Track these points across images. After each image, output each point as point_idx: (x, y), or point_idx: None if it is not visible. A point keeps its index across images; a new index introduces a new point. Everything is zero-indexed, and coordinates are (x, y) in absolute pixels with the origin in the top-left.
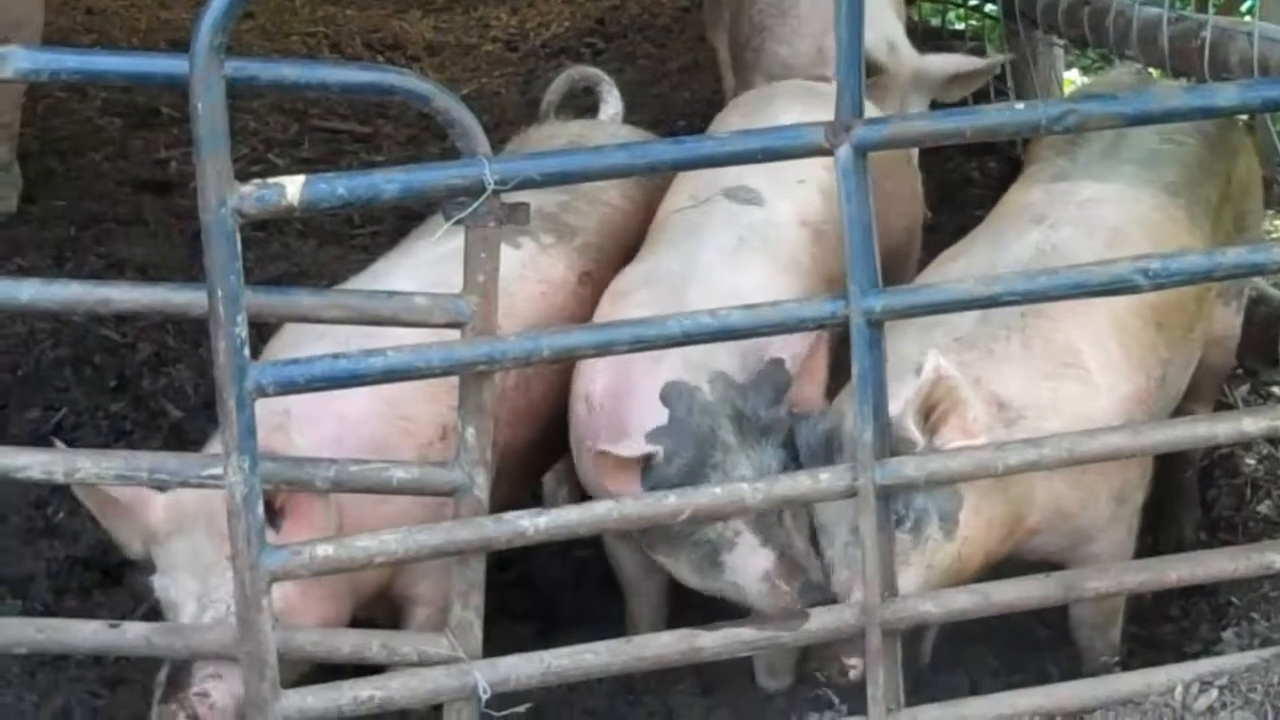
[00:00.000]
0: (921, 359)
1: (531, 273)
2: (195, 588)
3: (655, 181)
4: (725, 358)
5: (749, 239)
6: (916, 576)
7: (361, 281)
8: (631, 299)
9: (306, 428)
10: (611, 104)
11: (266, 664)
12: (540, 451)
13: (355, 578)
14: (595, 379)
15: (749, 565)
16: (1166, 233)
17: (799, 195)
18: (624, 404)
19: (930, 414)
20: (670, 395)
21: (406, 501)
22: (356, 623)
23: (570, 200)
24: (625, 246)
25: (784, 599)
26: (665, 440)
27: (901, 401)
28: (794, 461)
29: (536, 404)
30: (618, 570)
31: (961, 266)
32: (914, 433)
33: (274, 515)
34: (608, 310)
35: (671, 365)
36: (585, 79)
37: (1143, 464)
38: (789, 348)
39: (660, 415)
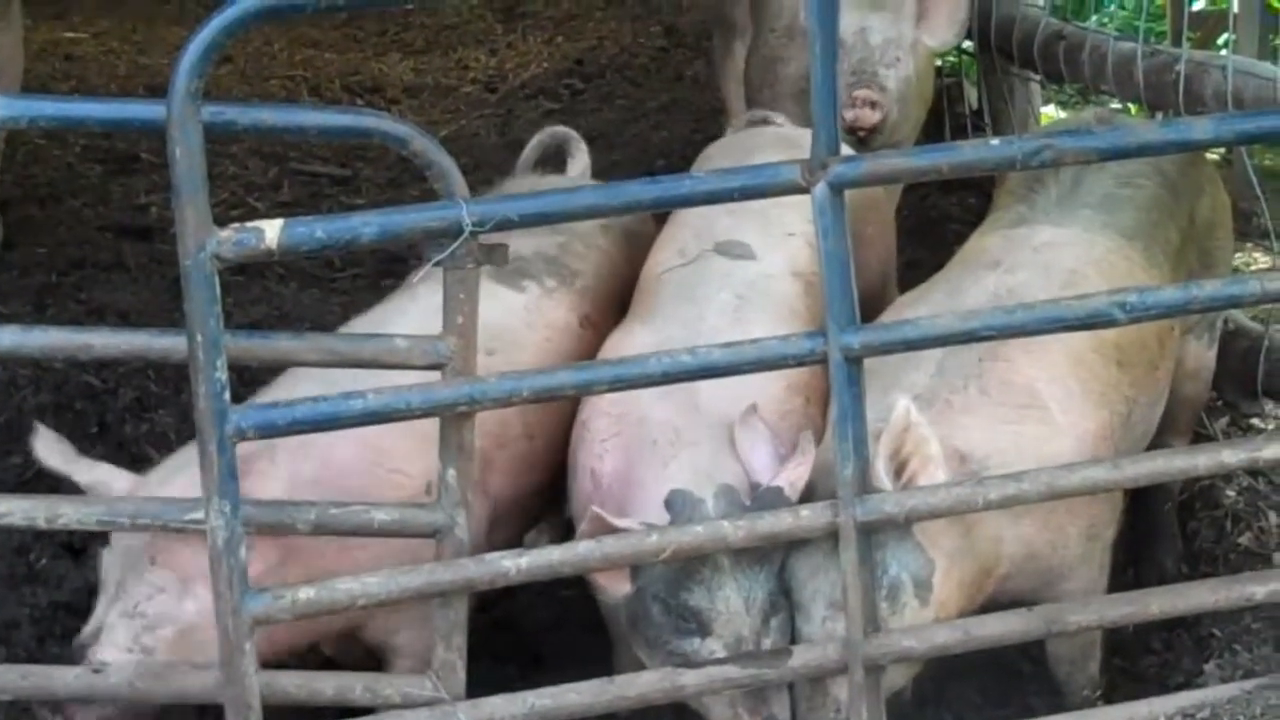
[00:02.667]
0: (881, 425)
1: (537, 318)
2: (112, 573)
3: (640, 233)
4: (733, 472)
5: (748, 296)
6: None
7: (365, 324)
8: None
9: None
10: (579, 159)
11: (250, 707)
12: (541, 500)
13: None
14: (604, 458)
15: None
16: (1123, 275)
17: (789, 247)
18: (629, 495)
19: (901, 468)
20: (674, 502)
21: (376, 546)
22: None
23: (568, 241)
24: (618, 290)
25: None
26: None
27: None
28: (783, 596)
29: (540, 453)
30: (606, 612)
31: (919, 314)
32: (885, 482)
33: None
34: None
35: (679, 470)
36: (556, 137)
37: (1112, 500)
38: (788, 475)
39: (661, 520)
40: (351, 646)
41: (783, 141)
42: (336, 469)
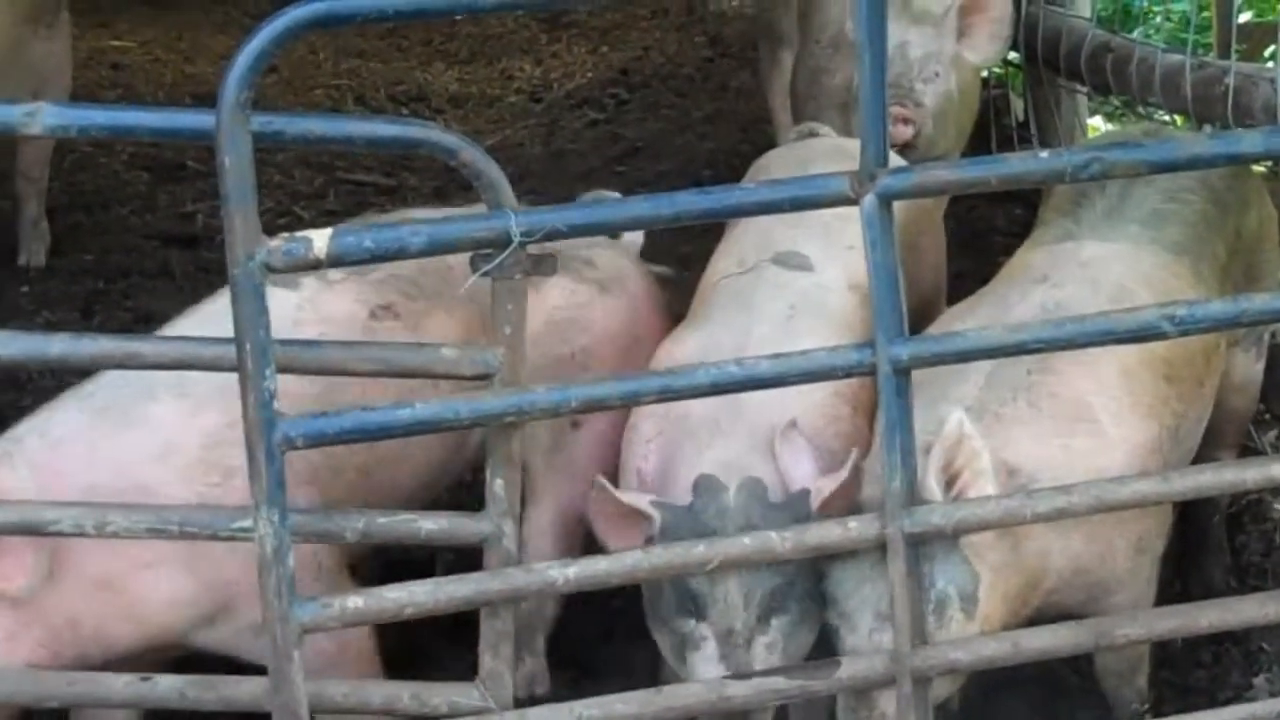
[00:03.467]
0: (930, 438)
1: (309, 314)
2: None
3: None
4: (763, 468)
5: (801, 306)
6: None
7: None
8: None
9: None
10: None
11: (298, 715)
12: None
13: (108, 632)
14: (649, 457)
15: (699, 672)
16: (1170, 290)
17: (848, 260)
18: (665, 485)
19: (952, 481)
20: (700, 485)
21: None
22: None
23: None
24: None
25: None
26: (670, 516)
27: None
28: (797, 600)
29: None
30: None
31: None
32: (935, 494)
33: None
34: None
35: (713, 459)
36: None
37: (1161, 513)
38: (819, 482)
39: (684, 498)
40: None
41: (838, 153)
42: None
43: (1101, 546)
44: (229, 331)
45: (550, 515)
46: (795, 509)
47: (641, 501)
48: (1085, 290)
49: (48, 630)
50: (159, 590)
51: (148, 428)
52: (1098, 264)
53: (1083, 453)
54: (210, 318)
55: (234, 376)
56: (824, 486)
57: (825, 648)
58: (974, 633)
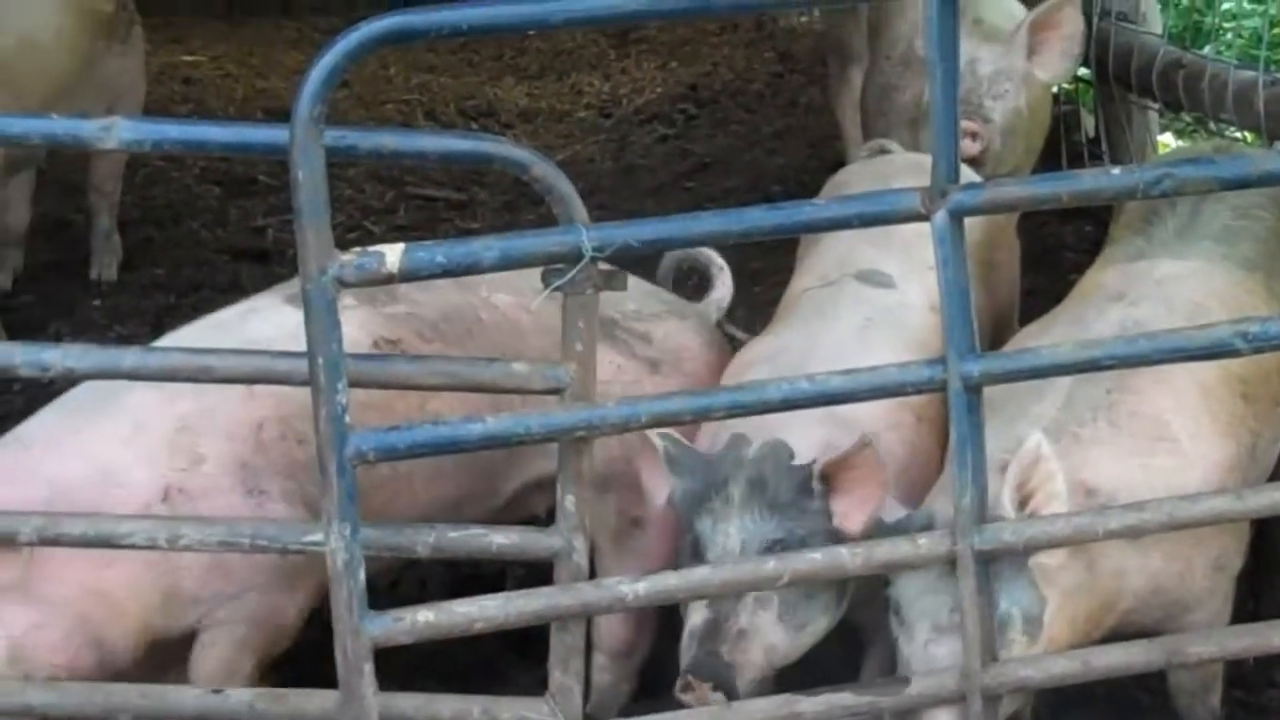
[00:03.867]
0: (1006, 456)
1: None
2: None
3: None
4: (801, 443)
5: (877, 320)
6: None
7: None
8: (753, 371)
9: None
10: (720, 289)
11: None
12: None
13: (101, 632)
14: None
15: (691, 616)
16: (1244, 306)
17: (931, 281)
18: (711, 447)
19: (1026, 501)
20: (729, 441)
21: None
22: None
23: None
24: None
25: (687, 656)
26: (687, 459)
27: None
28: (796, 547)
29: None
30: None
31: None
32: (1009, 513)
33: None
34: (728, 381)
35: (751, 424)
36: (692, 259)
37: (1239, 531)
38: (829, 455)
39: (714, 449)
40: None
41: (917, 169)
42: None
43: (1180, 565)
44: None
45: None
46: (803, 474)
47: (654, 440)
48: (1161, 308)
49: (62, 630)
50: (122, 583)
51: (120, 411)
52: (1172, 282)
53: (1162, 471)
54: (215, 327)
55: None
56: (826, 457)
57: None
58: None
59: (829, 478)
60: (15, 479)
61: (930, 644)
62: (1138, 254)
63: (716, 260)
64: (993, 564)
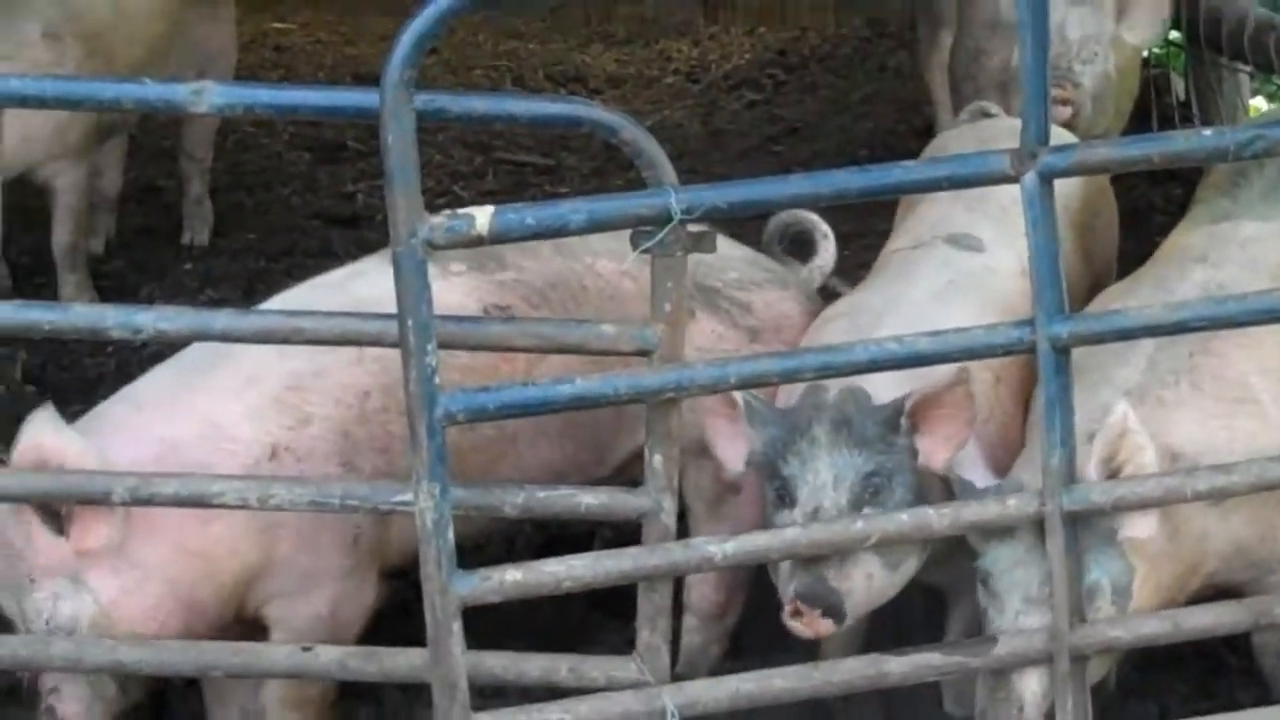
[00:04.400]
0: (1094, 425)
1: None
2: (14, 607)
3: None
4: (877, 383)
5: (960, 282)
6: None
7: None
8: (831, 327)
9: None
10: (823, 255)
11: (457, 687)
12: None
13: (193, 595)
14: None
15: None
16: None
17: (1022, 245)
18: (784, 396)
19: (1115, 473)
20: (805, 391)
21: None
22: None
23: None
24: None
25: (791, 583)
26: (765, 414)
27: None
28: (885, 483)
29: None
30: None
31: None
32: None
33: (63, 522)
34: (809, 338)
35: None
36: (802, 223)
37: None
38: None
39: (790, 400)
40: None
41: (1016, 133)
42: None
43: (1263, 527)
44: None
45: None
46: (890, 410)
47: (734, 394)
48: (1244, 270)
49: (153, 595)
50: (222, 542)
51: (233, 367)
52: (1256, 244)
53: (1245, 434)
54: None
55: None
56: (918, 394)
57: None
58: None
59: (916, 415)
60: (127, 438)
61: (1021, 615)
62: (1222, 215)
63: (821, 225)
64: (1082, 531)
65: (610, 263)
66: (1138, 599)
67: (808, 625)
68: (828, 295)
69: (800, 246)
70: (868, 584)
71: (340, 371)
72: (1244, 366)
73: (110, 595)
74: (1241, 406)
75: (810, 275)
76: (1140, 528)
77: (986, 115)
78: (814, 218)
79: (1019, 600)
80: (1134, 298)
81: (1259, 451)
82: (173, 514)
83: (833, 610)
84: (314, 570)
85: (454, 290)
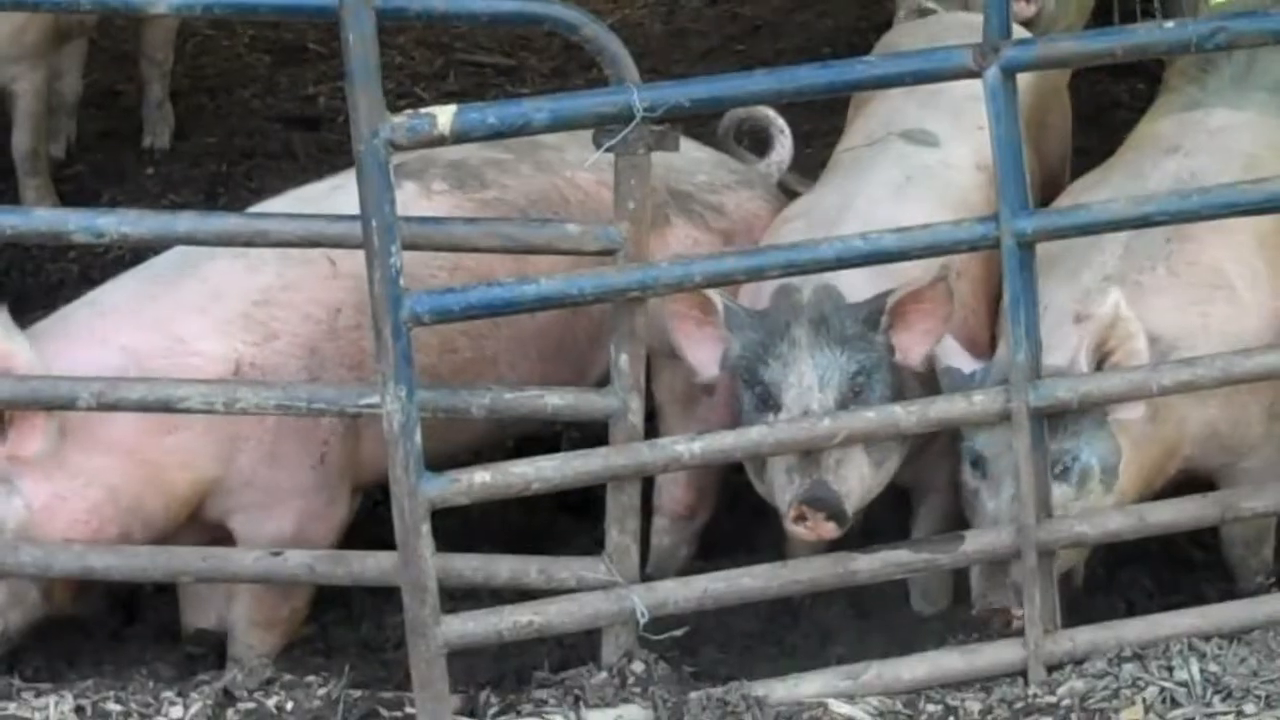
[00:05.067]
0: (1077, 306)
1: None
2: None
3: None
4: (845, 279)
5: (917, 177)
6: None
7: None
8: (788, 227)
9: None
10: (779, 150)
11: (427, 590)
12: None
13: (138, 504)
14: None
15: (777, 462)
16: None
17: (977, 140)
18: (754, 304)
19: (1104, 359)
20: (777, 293)
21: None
22: None
23: (509, 159)
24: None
25: (790, 489)
26: (743, 317)
27: (1073, 341)
28: (867, 381)
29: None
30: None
31: (1099, 197)
32: (1085, 370)
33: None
34: (767, 239)
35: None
36: (754, 119)
37: None
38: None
39: (761, 304)
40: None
41: (968, 28)
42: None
43: (1236, 412)
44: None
45: None
46: (870, 308)
47: (712, 294)
48: (1216, 159)
49: (89, 501)
50: (177, 454)
51: (199, 280)
52: (1228, 133)
53: (1220, 319)
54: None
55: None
56: (900, 291)
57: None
58: (1110, 505)
59: (895, 311)
60: (90, 343)
61: (1016, 500)
62: (1193, 103)
63: (777, 121)
64: (1073, 415)
65: (590, 175)
66: (1124, 482)
67: (812, 529)
68: (786, 192)
69: (756, 142)
70: (861, 484)
71: (311, 285)
72: (1219, 253)
73: (41, 500)
74: (1217, 292)
75: (769, 171)
76: (1130, 409)
77: (925, 12)
78: (770, 113)
79: (1012, 484)
80: (1107, 186)
81: (1234, 337)
82: (121, 423)
83: (837, 511)
84: (276, 487)
85: (437, 209)
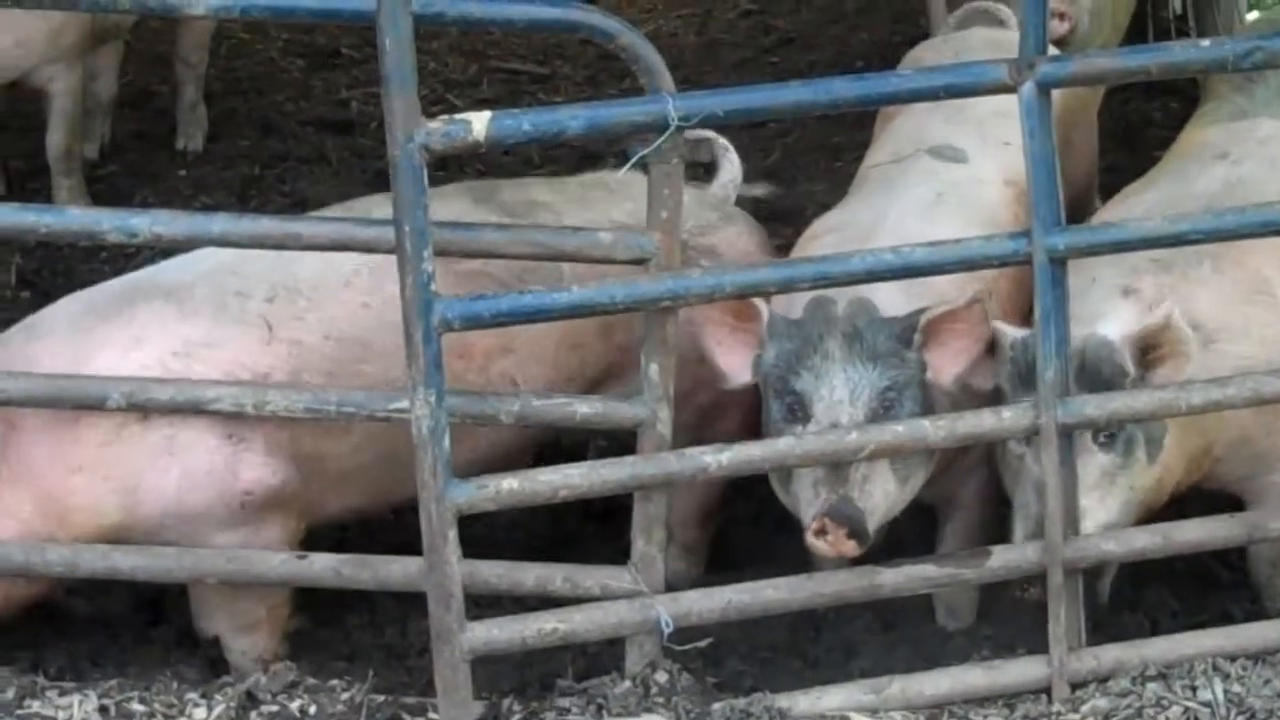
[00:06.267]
0: (1125, 281)
1: None
2: None
3: None
4: (880, 295)
5: (947, 195)
6: (1120, 498)
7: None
8: (819, 244)
9: None
10: (728, 169)
11: (452, 595)
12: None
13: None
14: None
15: (803, 474)
16: None
17: (1004, 156)
18: (786, 312)
19: (1149, 350)
20: (810, 304)
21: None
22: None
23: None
24: None
25: (814, 504)
26: (781, 325)
27: (1120, 328)
28: (898, 397)
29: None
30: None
31: (1146, 201)
32: (1128, 362)
33: None
34: (796, 254)
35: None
36: (702, 149)
37: None
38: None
39: (794, 313)
40: None
41: (991, 45)
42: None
43: (1269, 417)
44: None
45: None
46: (903, 324)
47: (755, 301)
48: (1264, 168)
49: (7, 533)
50: (80, 495)
51: (125, 319)
52: (1275, 141)
53: (1260, 323)
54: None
55: (232, 292)
56: (935, 309)
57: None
58: (1154, 478)
59: (928, 330)
60: (14, 366)
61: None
62: (1239, 113)
63: (719, 140)
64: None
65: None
66: (1168, 457)
67: (833, 545)
68: (757, 204)
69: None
70: (886, 501)
71: (240, 348)
72: (1264, 259)
73: None
74: (1259, 296)
75: (725, 194)
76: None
77: (986, 15)
78: (711, 135)
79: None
80: (1154, 190)
81: (1270, 341)
82: (34, 458)
83: (858, 528)
84: (187, 538)
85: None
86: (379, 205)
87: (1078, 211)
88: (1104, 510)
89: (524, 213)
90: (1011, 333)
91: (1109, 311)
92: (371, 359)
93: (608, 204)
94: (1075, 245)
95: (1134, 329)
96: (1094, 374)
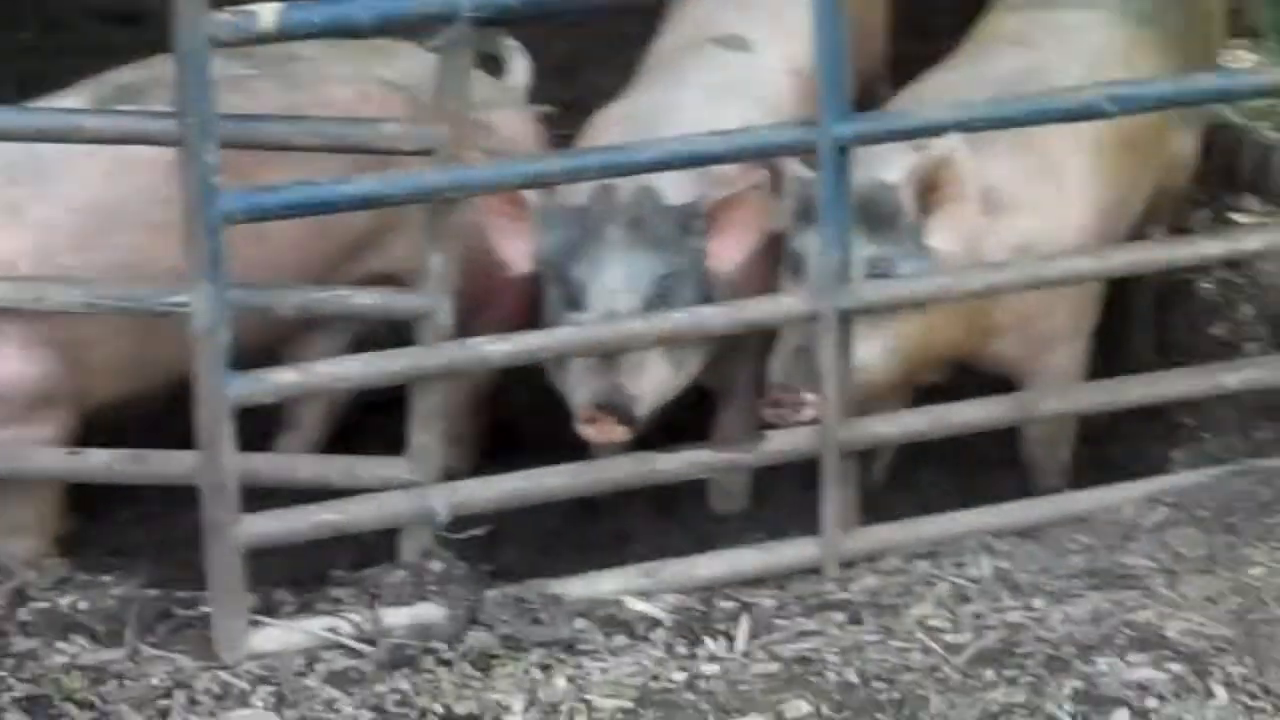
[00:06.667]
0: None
1: None
2: None
3: None
4: (666, 181)
5: (731, 82)
6: (882, 341)
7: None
8: (606, 136)
9: None
10: (517, 70)
11: (226, 490)
12: None
13: None
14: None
15: (575, 361)
16: (1136, 61)
17: (793, 46)
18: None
19: (929, 192)
20: (595, 190)
21: None
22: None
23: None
24: None
25: (583, 389)
26: (560, 213)
27: (901, 167)
28: (677, 284)
29: None
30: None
31: (942, 86)
32: (909, 201)
33: None
34: (584, 142)
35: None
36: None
37: (1099, 285)
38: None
39: (579, 200)
40: None
41: None
42: None
43: (1051, 298)
44: None
45: None
46: (685, 211)
47: (524, 193)
48: (1061, 54)
49: None
50: None
51: None
52: (1079, 32)
53: (1048, 199)
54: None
55: None
56: (716, 195)
57: None
58: (922, 328)
59: (711, 216)
60: None
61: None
62: (1039, 2)
63: (510, 42)
64: (890, 230)
65: (346, 89)
66: (939, 311)
67: (601, 432)
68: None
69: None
70: (658, 387)
71: None
72: (1058, 143)
73: None
74: (1049, 176)
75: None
76: (949, 244)
77: None
78: (500, 35)
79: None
80: (955, 73)
81: (1054, 218)
82: None
83: (627, 415)
84: None
85: None
86: (129, 73)
87: (871, 95)
88: (865, 348)
89: (278, 64)
90: (796, 169)
91: (895, 161)
92: (121, 228)
93: (376, 62)
94: (863, 133)
95: (918, 162)
96: (872, 215)
